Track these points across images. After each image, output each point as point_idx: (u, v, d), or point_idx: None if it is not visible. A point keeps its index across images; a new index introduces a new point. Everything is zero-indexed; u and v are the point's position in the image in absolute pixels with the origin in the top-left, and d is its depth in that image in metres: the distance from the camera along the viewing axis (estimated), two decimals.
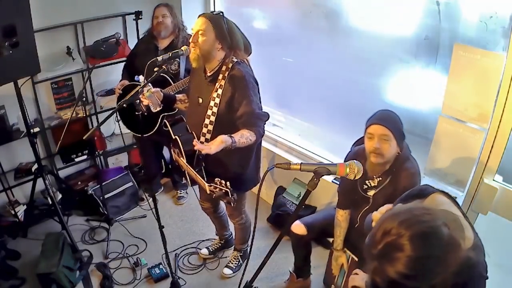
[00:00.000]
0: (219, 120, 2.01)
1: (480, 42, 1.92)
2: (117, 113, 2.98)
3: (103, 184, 3.19)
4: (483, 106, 1.85)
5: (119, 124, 2.99)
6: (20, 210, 3.05)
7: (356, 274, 2.02)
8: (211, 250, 2.85)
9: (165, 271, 2.66)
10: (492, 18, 1.84)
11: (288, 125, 3.31)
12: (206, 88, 2.04)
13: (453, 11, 2.08)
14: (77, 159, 3.36)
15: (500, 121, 1.82)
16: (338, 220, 2.16)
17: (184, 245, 2.93)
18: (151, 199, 2.16)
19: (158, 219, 2.11)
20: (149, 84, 1.99)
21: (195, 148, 1.84)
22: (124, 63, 3.11)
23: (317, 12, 2.78)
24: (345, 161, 2.09)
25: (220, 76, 1.98)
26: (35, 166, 2.96)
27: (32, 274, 2.51)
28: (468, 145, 1.95)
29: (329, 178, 2.83)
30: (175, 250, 2.87)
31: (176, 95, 2.30)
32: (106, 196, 3.18)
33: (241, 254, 2.74)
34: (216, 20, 1.92)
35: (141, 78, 2.00)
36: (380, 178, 1.95)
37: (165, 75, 2.72)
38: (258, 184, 2.24)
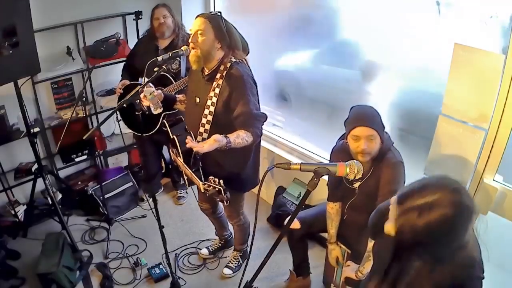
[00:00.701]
0: (216, 119, 2.00)
1: (480, 42, 1.92)
2: (118, 112, 2.98)
3: (103, 184, 3.19)
4: (483, 106, 1.85)
5: (119, 124, 2.99)
6: (20, 210, 3.05)
7: (348, 266, 2.05)
8: (211, 250, 2.85)
9: (165, 271, 2.66)
10: (492, 18, 1.84)
11: (288, 125, 3.31)
12: (204, 88, 2.03)
13: (453, 11, 2.08)
14: (77, 159, 3.36)
15: (500, 121, 1.82)
16: (329, 213, 2.20)
17: (184, 245, 2.93)
18: (151, 199, 2.16)
19: (158, 219, 2.12)
20: (151, 85, 1.99)
21: (187, 145, 1.83)
22: (124, 63, 3.11)
23: (317, 12, 2.78)
24: (331, 156, 2.12)
25: (218, 75, 1.98)
26: (35, 166, 2.96)
27: (32, 274, 2.51)
28: (468, 145, 1.94)
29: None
30: (175, 250, 2.87)
31: (176, 96, 2.30)
32: (106, 196, 3.18)
33: (241, 254, 2.74)
34: (214, 20, 1.93)
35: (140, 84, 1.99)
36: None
37: (167, 74, 2.72)
38: (258, 184, 2.23)
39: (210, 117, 2.01)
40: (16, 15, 2.22)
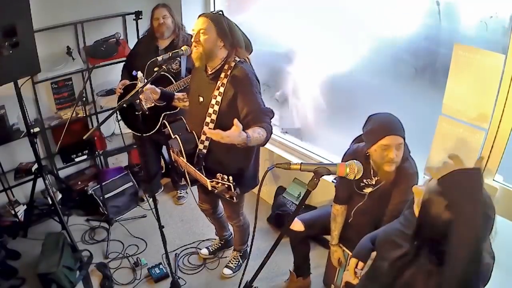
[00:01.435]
0: (220, 118, 2.00)
1: (480, 42, 1.92)
2: (118, 113, 2.98)
3: (103, 184, 3.19)
4: (483, 106, 1.85)
5: (119, 124, 2.99)
6: (20, 210, 3.05)
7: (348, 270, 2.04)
8: (211, 250, 2.85)
9: (165, 271, 2.66)
10: (492, 18, 1.84)
11: (288, 125, 3.31)
12: (207, 87, 2.03)
13: (453, 11, 2.08)
14: (77, 159, 3.36)
15: (500, 121, 1.82)
16: (333, 215, 2.19)
17: (184, 245, 2.93)
18: (151, 199, 2.16)
19: (158, 219, 2.11)
20: (144, 79, 1.98)
21: (208, 134, 1.80)
22: (124, 63, 3.11)
23: (317, 11, 2.78)
24: (343, 159, 2.10)
25: (222, 75, 1.97)
26: (35, 166, 2.96)
27: (32, 274, 2.51)
28: (468, 145, 1.94)
29: (329, 178, 2.82)
30: (175, 250, 2.87)
31: (175, 93, 2.30)
32: (106, 196, 3.18)
33: (241, 254, 2.74)
34: (216, 19, 1.93)
35: (139, 74, 1.99)
36: (378, 178, 1.96)
37: (167, 74, 2.72)
38: (258, 185, 2.23)
39: (214, 116, 2.00)
40: (16, 15, 2.21)
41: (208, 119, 2.02)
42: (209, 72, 2.02)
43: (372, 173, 1.99)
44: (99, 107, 3.38)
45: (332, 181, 2.81)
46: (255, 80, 2.00)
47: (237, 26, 2.02)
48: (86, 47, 3.20)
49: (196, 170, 1.98)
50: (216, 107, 1.99)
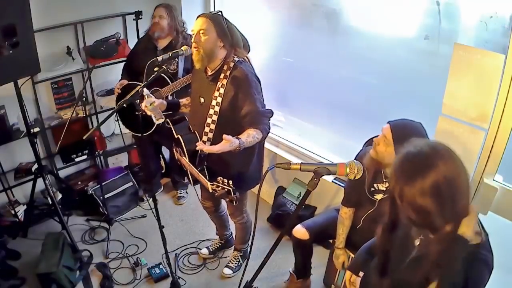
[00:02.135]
0: (221, 119, 2.01)
1: (480, 42, 1.92)
2: (116, 113, 2.98)
3: (103, 184, 3.19)
4: (483, 106, 1.85)
5: (119, 124, 2.99)
6: (20, 210, 3.05)
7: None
8: (211, 250, 2.85)
9: (165, 271, 2.66)
10: (492, 18, 1.84)
11: (288, 125, 3.31)
12: (208, 88, 2.04)
13: (453, 11, 2.08)
14: (77, 159, 3.36)
15: (500, 121, 1.82)
16: (341, 218, 2.14)
17: (184, 245, 2.93)
18: (151, 199, 2.16)
19: (158, 219, 2.11)
20: (151, 95, 1.99)
21: (198, 148, 1.84)
22: (124, 63, 3.11)
23: (317, 12, 2.78)
24: (355, 159, 2.09)
25: (222, 75, 1.98)
26: (35, 166, 2.96)
27: (32, 274, 2.50)
28: (468, 145, 1.94)
29: (329, 178, 2.83)
30: (175, 250, 2.86)
31: (180, 100, 2.30)
32: (106, 196, 3.18)
33: (241, 254, 2.74)
34: (216, 19, 1.93)
35: (145, 90, 1.97)
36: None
37: (164, 75, 2.72)
38: (258, 184, 2.24)
39: (215, 117, 2.01)
40: (16, 15, 2.21)
41: (209, 120, 2.03)
42: (209, 73, 2.03)
43: (383, 176, 1.95)
44: (99, 107, 3.38)
45: (333, 181, 2.82)
46: (255, 81, 2.00)
47: (235, 27, 2.03)
48: (86, 47, 3.20)
49: (198, 172, 1.99)
50: (217, 108, 2.00)
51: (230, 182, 1.72)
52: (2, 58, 2.21)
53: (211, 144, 2.04)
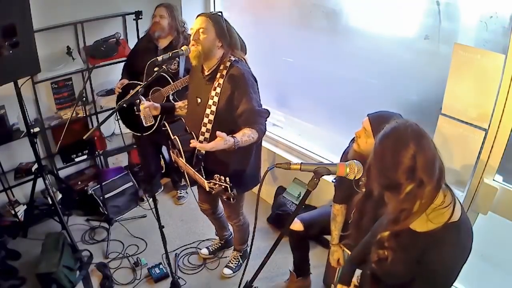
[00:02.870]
0: (218, 119, 2.01)
1: (480, 42, 1.92)
2: (117, 112, 2.98)
3: (103, 184, 3.19)
4: (483, 106, 1.85)
5: (119, 124, 3.00)
6: (20, 210, 3.05)
7: None
8: (211, 250, 2.85)
9: (165, 271, 2.66)
10: (492, 18, 1.84)
11: (288, 125, 3.31)
12: (205, 88, 2.04)
13: (453, 11, 2.08)
14: (77, 159, 3.36)
15: (500, 121, 1.82)
16: (333, 214, 2.18)
17: (184, 245, 2.93)
18: (151, 199, 2.16)
19: (158, 219, 2.11)
20: (142, 98, 1.99)
21: (192, 145, 1.83)
22: (124, 62, 3.11)
23: (317, 12, 2.78)
24: (341, 158, 2.10)
25: (218, 75, 1.98)
26: (35, 166, 2.96)
27: (32, 274, 2.50)
28: (468, 145, 1.94)
29: (329, 178, 2.82)
30: (175, 250, 2.87)
31: (176, 103, 2.30)
32: (106, 196, 3.18)
33: (241, 254, 2.74)
34: (216, 19, 1.94)
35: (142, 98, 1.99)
36: None
37: (165, 75, 2.72)
38: (258, 184, 2.24)
39: (212, 117, 2.01)
40: (16, 15, 2.22)
41: (206, 120, 2.03)
42: (206, 73, 2.03)
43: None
44: (99, 107, 3.39)
45: (333, 181, 2.82)
46: (251, 80, 2.01)
47: (233, 28, 2.04)
48: (86, 47, 3.20)
49: (195, 171, 1.99)
50: (214, 108, 2.00)
51: (227, 179, 1.72)
52: (2, 58, 2.21)
53: None
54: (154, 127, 2.79)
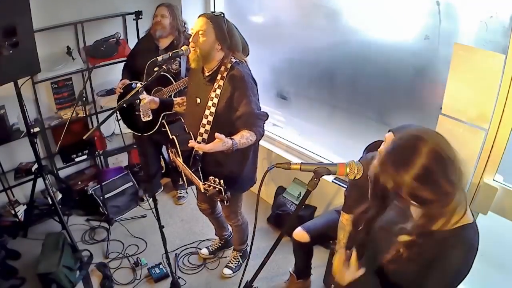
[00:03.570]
0: (217, 120, 2.01)
1: (480, 42, 1.92)
2: (118, 112, 2.98)
3: (103, 184, 3.19)
4: (483, 106, 1.85)
5: (119, 124, 2.99)
6: (20, 210, 3.05)
7: None
8: (211, 250, 2.85)
9: (165, 271, 2.66)
10: (492, 18, 1.84)
11: (288, 125, 3.31)
12: (204, 88, 2.04)
13: (453, 11, 2.08)
14: (77, 159, 3.36)
15: (500, 121, 1.82)
16: (342, 224, 2.14)
17: (184, 245, 2.93)
18: (151, 199, 2.15)
19: (158, 219, 2.11)
20: (144, 92, 1.99)
21: (190, 145, 1.83)
22: (124, 62, 3.11)
23: (317, 12, 2.78)
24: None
25: (219, 76, 1.98)
26: (35, 166, 2.96)
27: (32, 274, 2.51)
28: (468, 145, 1.94)
29: (329, 178, 2.83)
30: (175, 250, 2.87)
31: (174, 99, 2.30)
32: (106, 196, 3.18)
33: (241, 254, 2.74)
34: (216, 21, 1.92)
35: (139, 85, 1.97)
36: None
37: (167, 74, 2.72)
38: (258, 184, 2.23)
39: (210, 118, 2.01)
40: (16, 15, 2.21)
41: (204, 121, 2.02)
42: (206, 74, 2.03)
43: None
44: (99, 107, 3.38)
45: (333, 181, 2.82)
46: (251, 82, 2.00)
47: (236, 28, 2.02)
48: (86, 47, 3.20)
49: (191, 172, 1.98)
50: (213, 109, 1.99)
51: (222, 181, 1.72)
52: (2, 58, 2.21)
53: None
54: (155, 128, 2.80)
